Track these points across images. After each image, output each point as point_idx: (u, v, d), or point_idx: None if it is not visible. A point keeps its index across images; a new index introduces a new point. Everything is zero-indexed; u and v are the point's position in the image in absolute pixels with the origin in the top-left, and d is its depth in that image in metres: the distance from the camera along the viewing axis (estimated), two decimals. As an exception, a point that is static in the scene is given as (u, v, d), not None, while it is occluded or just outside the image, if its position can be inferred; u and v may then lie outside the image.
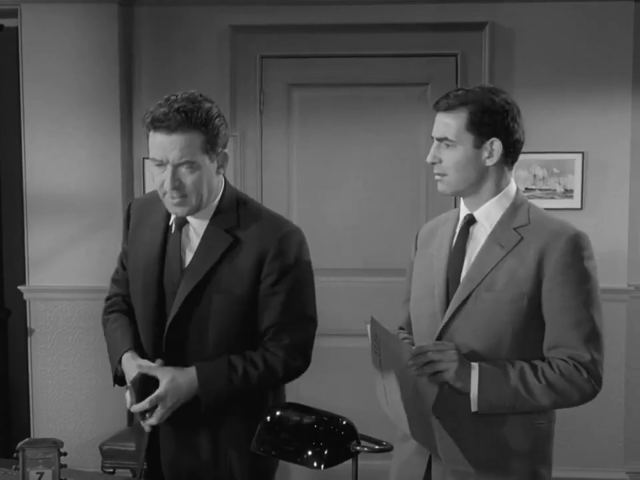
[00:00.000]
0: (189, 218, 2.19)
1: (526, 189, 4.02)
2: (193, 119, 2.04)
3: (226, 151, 2.17)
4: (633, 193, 4.08)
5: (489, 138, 1.95)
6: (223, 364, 2.13)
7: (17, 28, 4.07)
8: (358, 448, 1.75)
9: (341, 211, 4.17)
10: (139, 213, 2.34)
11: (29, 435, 4.14)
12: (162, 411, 2.08)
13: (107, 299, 2.45)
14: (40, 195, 4.10)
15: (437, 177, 2.02)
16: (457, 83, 4.09)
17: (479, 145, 1.95)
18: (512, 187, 2.03)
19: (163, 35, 4.11)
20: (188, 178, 2.07)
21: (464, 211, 2.06)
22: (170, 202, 2.12)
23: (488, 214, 2.01)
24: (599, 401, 4.09)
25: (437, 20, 4.03)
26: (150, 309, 2.21)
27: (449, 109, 1.95)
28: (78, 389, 4.16)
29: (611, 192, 4.04)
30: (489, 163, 1.97)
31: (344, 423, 1.79)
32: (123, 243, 2.40)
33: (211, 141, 2.08)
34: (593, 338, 1.91)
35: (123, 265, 2.41)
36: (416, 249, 2.22)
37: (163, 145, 2.05)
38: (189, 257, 2.18)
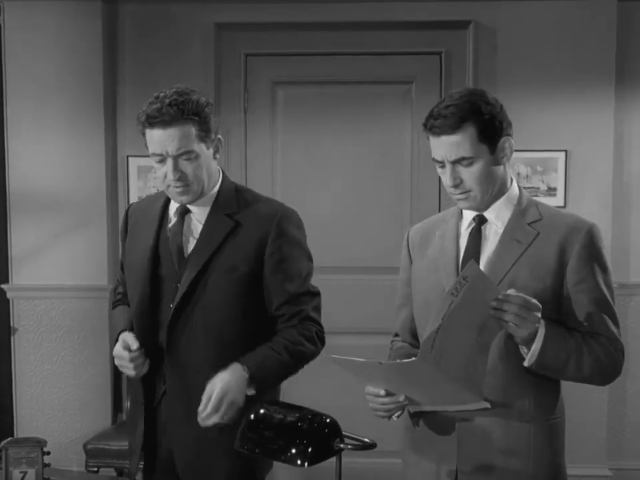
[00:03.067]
0: (191, 207, 2.26)
1: (510, 186, 4.04)
2: (185, 110, 2.12)
3: (219, 136, 2.26)
4: (616, 190, 4.10)
5: (500, 139, 1.94)
6: (263, 347, 2.18)
7: (-1, 25, 4.06)
8: (342, 445, 1.76)
9: (325, 208, 4.17)
10: (136, 215, 2.41)
11: (12, 434, 4.12)
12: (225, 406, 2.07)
13: (116, 294, 2.53)
14: (23, 192, 4.07)
15: (459, 196, 1.97)
16: (440, 81, 4.10)
17: (493, 151, 1.94)
18: (514, 184, 2.04)
19: (147, 32, 4.09)
20: (188, 167, 2.16)
21: (469, 212, 2.04)
22: (174, 192, 2.20)
23: (498, 213, 2.01)
24: (582, 398, 4.12)
25: (422, 18, 4.04)
26: (147, 301, 2.24)
27: (452, 129, 1.89)
28: (62, 387, 4.14)
29: (594, 190, 4.06)
30: (505, 161, 1.98)
31: (327, 420, 1.79)
32: (122, 248, 2.46)
33: (204, 129, 2.17)
34: (618, 326, 1.97)
35: (122, 267, 2.46)
36: (410, 253, 2.18)
37: (160, 140, 2.13)
38: (191, 245, 2.24)
